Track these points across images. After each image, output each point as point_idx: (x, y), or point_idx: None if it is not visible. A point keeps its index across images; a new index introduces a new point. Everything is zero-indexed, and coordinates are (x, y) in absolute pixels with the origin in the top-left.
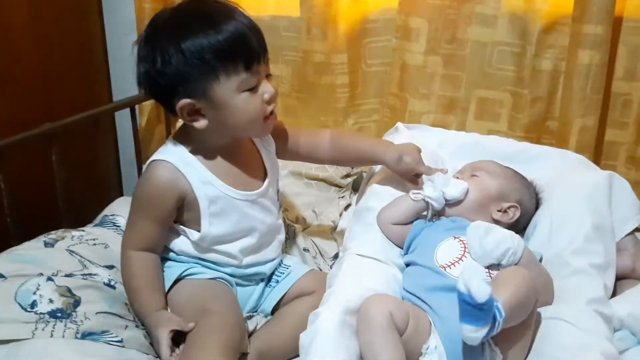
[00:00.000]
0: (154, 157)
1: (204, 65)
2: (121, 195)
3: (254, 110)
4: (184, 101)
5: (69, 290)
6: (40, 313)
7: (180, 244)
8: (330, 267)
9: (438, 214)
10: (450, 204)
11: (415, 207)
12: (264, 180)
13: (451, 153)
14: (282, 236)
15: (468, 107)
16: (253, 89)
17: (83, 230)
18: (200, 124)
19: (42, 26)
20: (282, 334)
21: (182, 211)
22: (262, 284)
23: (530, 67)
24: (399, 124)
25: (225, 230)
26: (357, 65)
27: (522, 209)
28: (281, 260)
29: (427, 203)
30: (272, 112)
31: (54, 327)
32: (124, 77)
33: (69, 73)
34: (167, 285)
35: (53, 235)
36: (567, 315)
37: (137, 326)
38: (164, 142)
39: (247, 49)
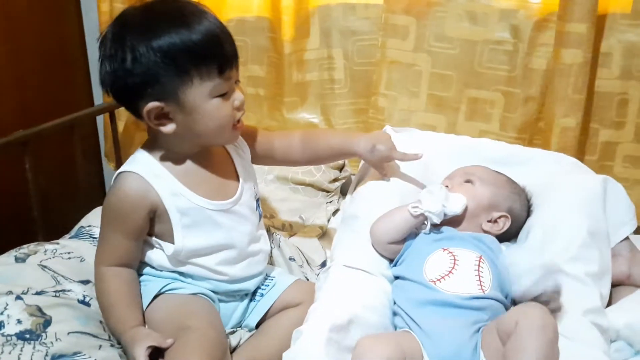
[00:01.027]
0: (121, 168)
1: (177, 67)
2: None
3: (224, 117)
4: (153, 104)
5: (39, 309)
6: (7, 335)
7: (157, 258)
8: (318, 276)
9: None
10: None
11: (413, 222)
12: (236, 188)
13: (441, 157)
14: (266, 247)
15: (459, 108)
16: (224, 95)
17: (57, 244)
18: (168, 128)
19: (15, 26)
20: (267, 350)
21: (154, 223)
22: (246, 300)
23: (522, 66)
24: (387, 127)
25: (200, 242)
26: (343, 63)
27: (512, 218)
28: (266, 272)
29: (426, 217)
30: (239, 120)
31: (21, 350)
32: None
33: (45, 76)
34: (146, 301)
35: (25, 249)
36: (562, 329)
37: (112, 345)
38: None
39: (221, 53)
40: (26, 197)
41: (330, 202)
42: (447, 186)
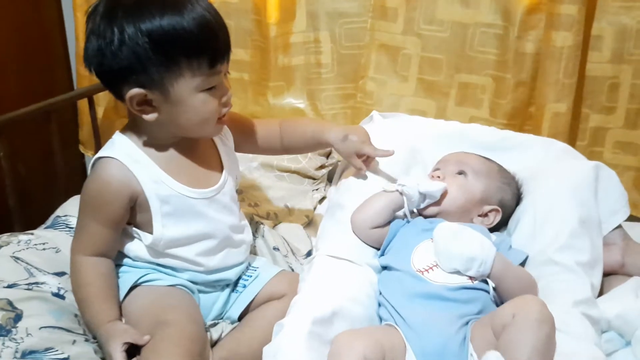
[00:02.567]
0: (100, 153)
1: (167, 57)
2: None
3: (209, 112)
4: (136, 91)
5: (10, 303)
6: None
7: (135, 248)
8: (302, 266)
9: (419, 214)
10: (430, 204)
11: (391, 202)
12: (219, 176)
13: (430, 143)
14: (248, 237)
15: (449, 92)
16: (212, 89)
17: (32, 234)
18: (149, 116)
19: None
20: (250, 342)
21: (134, 212)
22: (227, 290)
23: (513, 50)
24: (374, 113)
25: (180, 232)
26: (330, 46)
27: (503, 209)
28: (249, 262)
29: (403, 197)
30: (224, 114)
31: None
32: None
33: (21, 60)
34: (123, 292)
35: None
36: (556, 322)
37: (86, 340)
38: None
39: (214, 45)
40: (2, 187)
41: (316, 189)
42: (438, 176)
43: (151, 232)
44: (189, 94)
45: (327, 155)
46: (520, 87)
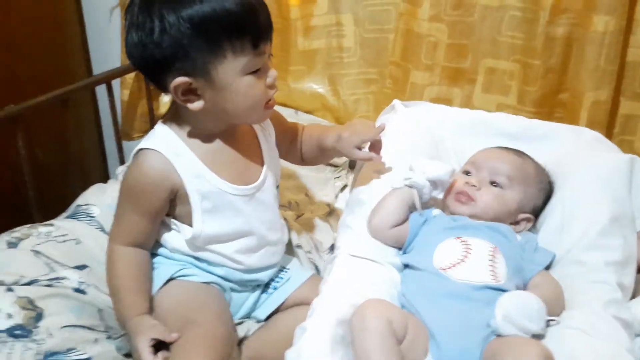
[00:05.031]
0: (142, 144)
1: (209, 40)
2: (107, 179)
3: (257, 96)
4: (180, 79)
5: (31, 301)
6: None
7: (173, 240)
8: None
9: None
10: (462, 207)
11: (404, 198)
12: (260, 172)
13: (454, 132)
14: (285, 237)
15: (475, 79)
16: (257, 72)
17: (51, 225)
18: (195, 105)
19: None
20: (276, 344)
21: (174, 204)
22: (258, 291)
23: (543, 35)
24: (396, 102)
25: (219, 228)
26: (353, 29)
27: (534, 215)
28: (281, 264)
29: (413, 190)
30: (271, 98)
31: (11, 349)
32: (104, 49)
33: (39, 46)
34: (157, 285)
35: (17, 233)
36: (581, 323)
37: (108, 337)
38: (146, 118)
39: (256, 25)
40: (20, 176)
41: (338, 177)
42: (474, 185)
43: (191, 225)
44: (234, 78)
45: None
46: (550, 73)
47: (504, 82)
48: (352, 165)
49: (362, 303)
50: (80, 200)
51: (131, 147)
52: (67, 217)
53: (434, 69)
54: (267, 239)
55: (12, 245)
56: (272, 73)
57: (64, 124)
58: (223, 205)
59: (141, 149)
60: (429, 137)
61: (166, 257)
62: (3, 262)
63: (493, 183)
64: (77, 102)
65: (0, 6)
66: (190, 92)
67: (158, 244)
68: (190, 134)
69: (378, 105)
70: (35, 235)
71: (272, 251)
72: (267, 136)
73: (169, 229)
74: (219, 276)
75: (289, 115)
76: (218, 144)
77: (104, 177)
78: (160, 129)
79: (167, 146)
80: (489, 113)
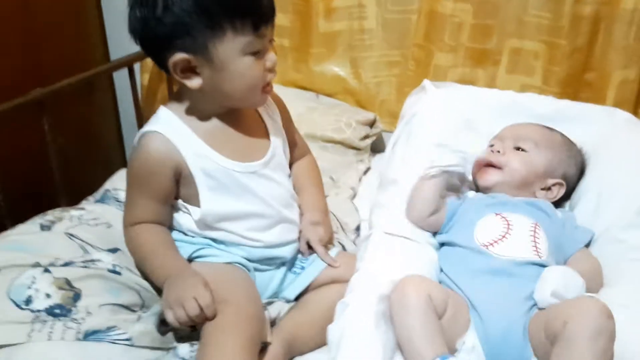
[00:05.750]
0: (144, 128)
1: (210, 18)
2: (125, 163)
3: (255, 78)
4: (179, 55)
5: (68, 282)
6: (37, 310)
7: (185, 222)
8: (353, 242)
9: (477, 190)
10: (491, 175)
11: (439, 186)
12: (267, 149)
13: (484, 113)
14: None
15: (500, 60)
16: (257, 54)
17: (83, 209)
18: (193, 82)
19: None
20: (310, 324)
21: (180, 186)
22: (283, 269)
23: (570, 14)
24: (426, 82)
25: (227, 206)
26: (375, 11)
27: (566, 183)
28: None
29: (451, 174)
30: (269, 82)
31: (52, 328)
32: (122, 34)
33: (59, 32)
34: None
35: (50, 216)
36: (623, 299)
37: (147, 313)
38: (166, 102)
39: (257, 7)
40: (46, 160)
41: (361, 160)
42: (498, 151)
43: (199, 206)
44: (233, 58)
45: (371, 125)
46: (576, 53)
47: (529, 63)
48: (374, 149)
49: (402, 279)
50: (109, 185)
51: None
52: (97, 201)
53: (458, 50)
54: (281, 214)
55: (45, 228)
56: (272, 57)
57: (83, 110)
58: (228, 183)
59: (144, 133)
60: (459, 118)
61: (182, 241)
62: (38, 244)
63: (518, 148)
64: (96, 87)
65: None
66: (189, 70)
67: (172, 228)
68: (191, 114)
69: (400, 88)
70: (67, 218)
71: (289, 227)
72: (271, 114)
73: (179, 211)
74: (241, 256)
75: (309, 98)
76: (218, 123)
77: (123, 163)
78: (162, 112)
79: (168, 128)
80: (519, 94)
